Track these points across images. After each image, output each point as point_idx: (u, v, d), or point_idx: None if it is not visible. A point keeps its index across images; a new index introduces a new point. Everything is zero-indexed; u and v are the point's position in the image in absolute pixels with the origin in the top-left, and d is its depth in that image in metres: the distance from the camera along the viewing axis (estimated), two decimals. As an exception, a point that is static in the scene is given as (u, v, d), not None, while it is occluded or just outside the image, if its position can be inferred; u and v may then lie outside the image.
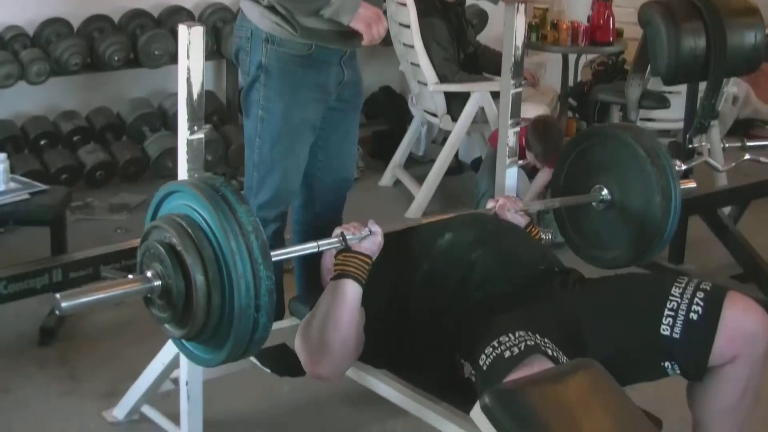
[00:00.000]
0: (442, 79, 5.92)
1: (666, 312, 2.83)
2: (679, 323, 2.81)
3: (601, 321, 2.90)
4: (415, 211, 5.90)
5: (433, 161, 6.12)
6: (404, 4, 6.04)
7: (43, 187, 4.54)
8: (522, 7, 3.71)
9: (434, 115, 6.09)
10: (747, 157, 4.58)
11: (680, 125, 4.94)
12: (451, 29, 6.03)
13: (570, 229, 3.74)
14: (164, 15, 6.33)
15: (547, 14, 6.74)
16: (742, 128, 7.65)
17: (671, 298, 2.85)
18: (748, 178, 5.29)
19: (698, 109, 4.68)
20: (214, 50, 6.28)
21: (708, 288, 2.86)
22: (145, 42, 6.03)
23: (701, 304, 2.82)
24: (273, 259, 2.59)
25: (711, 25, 4.40)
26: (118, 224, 5.57)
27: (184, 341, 2.72)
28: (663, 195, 3.41)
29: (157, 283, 2.61)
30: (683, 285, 2.88)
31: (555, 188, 3.77)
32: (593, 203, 3.59)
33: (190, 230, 2.54)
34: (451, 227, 3.22)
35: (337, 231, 3.04)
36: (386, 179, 6.48)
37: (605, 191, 3.56)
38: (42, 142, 5.95)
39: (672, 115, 5.66)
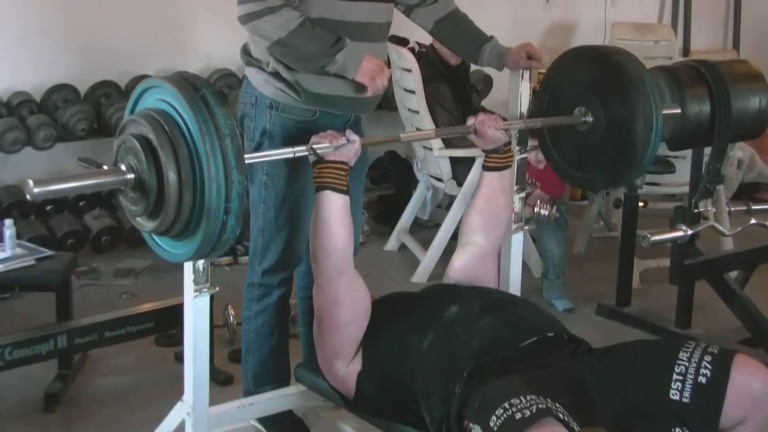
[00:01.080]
0: (447, 144, 5.93)
1: (674, 377, 2.82)
2: (688, 387, 2.80)
3: (610, 388, 2.88)
4: (420, 276, 5.90)
5: (438, 226, 6.11)
6: (409, 70, 6.07)
7: (49, 252, 4.54)
8: (527, 73, 3.74)
9: (439, 179, 6.10)
10: (753, 221, 4.57)
11: (686, 189, 4.94)
12: (455, 94, 6.06)
13: (551, 147, 3.76)
14: (170, 81, 6.35)
15: (551, 79, 6.76)
16: (748, 192, 7.66)
17: (679, 362, 2.84)
18: (755, 242, 5.28)
19: (703, 174, 4.68)
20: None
21: (716, 351, 2.85)
22: (151, 108, 6.05)
23: (709, 367, 2.81)
24: (246, 161, 2.63)
25: (716, 90, 4.41)
26: (123, 289, 5.57)
27: (154, 236, 2.74)
28: (645, 123, 3.43)
29: (131, 176, 2.63)
30: (691, 349, 2.87)
31: (539, 107, 3.78)
32: (575, 125, 3.60)
33: (166, 127, 2.57)
34: (457, 300, 3.22)
35: (311, 141, 3.07)
36: (392, 244, 6.48)
37: (588, 113, 3.57)
38: (48, 208, 5.97)
39: (677, 180, 5.67)
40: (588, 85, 3.57)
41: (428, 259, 5.97)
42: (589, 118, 3.57)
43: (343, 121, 3.54)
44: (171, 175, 2.54)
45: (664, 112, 3.49)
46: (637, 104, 3.43)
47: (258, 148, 3.50)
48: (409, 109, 6.13)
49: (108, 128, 6.00)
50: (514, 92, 3.76)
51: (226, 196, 2.54)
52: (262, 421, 3.63)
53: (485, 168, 3.53)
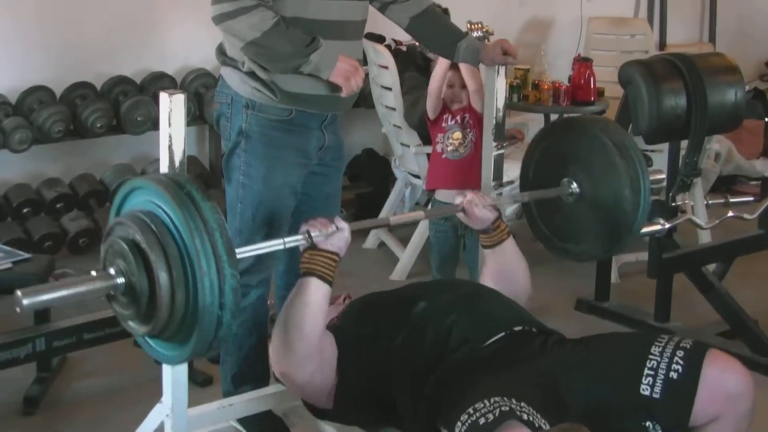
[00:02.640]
0: (425, 140, 5.92)
1: (646, 371, 2.82)
2: (659, 383, 2.80)
3: (581, 382, 2.88)
4: (400, 273, 5.89)
5: (415, 224, 6.11)
6: (386, 67, 6.07)
7: (26, 255, 4.52)
8: (502, 69, 3.74)
9: (417, 176, 6.09)
10: (730, 214, 4.58)
11: (663, 183, 4.95)
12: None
13: (539, 221, 3.74)
14: (147, 81, 6.34)
15: (528, 75, 6.77)
16: (725, 185, 7.69)
17: (651, 357, 2.83)
18: (733, 235, 5.30)
19: (681, 167, 4.69)
20: (197, 116, 6.29)
21: (688, 346, 2.85)
22: (127, 108, 6.04)
23: (681, 362, 2.80)
24: (238, 256, 2.59)
25: (692, 84, 4.42)
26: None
27: (147, 338, 2.70)
28: (632, 188, 3.42)
29: (120, 280, 2.59)
30: (663, 344, 2.86)
31: (524, 181, 3.76)
32: (562, 196, 3.59)
33: (154, 227, 2.54)
34: (426, 295, 3.21)
35: (303, 228, 3.02)
36: (370, 242, 6.47)
37: (574, 184, 3.56)
38: (25, 210, 5.93)
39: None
40: (572, 156, 3.56)
41: (407, 257, 5.97)
42: (576, 189, 3.55)
43: (320, 119, 3.54)
44: (162, 275, 2.50)
45: (651, 178, 3.49)
46: (622, 170, 3.42)
47: (235, 147, 3.50)
48: (387, 106, 6.12)
49: (84, 130, 5.98)
50: (489, 89, 3.76)
51: (220, 291, 2.49)
52: (242, 421, 3.62)
53: (483, 247, 3.50)
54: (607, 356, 2.95)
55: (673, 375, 2.80)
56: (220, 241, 2.50)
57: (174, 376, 3.07)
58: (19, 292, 2.47)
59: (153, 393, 3.21)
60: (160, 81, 6.32)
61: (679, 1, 9.02)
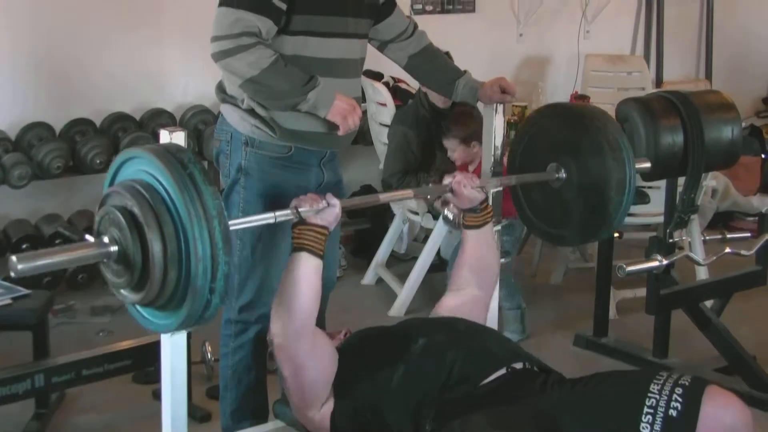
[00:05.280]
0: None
1: (645, 410, 2.82)
2: (658, 420, 2.80)
3: (580, 421, 2.88)
4: (398, 309, 5.89)
5: (415, 259, 6.12)
6: (384, 104, 6.09)
7: (25, 291, 4.52)
8: (500, 107, 3.76)
9: (415, 213, 6.11)
10: (728, 250, 4.59)
11: (660, 219, 4.96)
12: (430, 138, 5.96)
13: (523, 201, 3.78)
14: (146, 118, 6.36)
15: (525, 111, 6.79)
16: (722, 221, 7.69)
17: (650, 395, 2.84)
18: (730, 271, 5.30)
19: (678, 204, 4.71)
20: (196, 152, 6.30)
21: (687, 383, 2.85)
22: (127, 145, 6.04)
23: (680, 400, 2.81)
24: (231, 228, 2.62)
25: (689, 121, 4.44)
26: (100, 327, 5.55)
27: (137, 306, 2.71)
28: (617, 189, 3.45)
29: (114, 248, 2.60)
30: (662, 381, 2.87)
31: (512, 162, 3.79)
32: (549, 181, 3.62)
33: (152, 202, 2.54)
34: (423, 331, 3.23)
35: (293, 203, 3.05)
36: (369, 278, 6.48)
37: (562, 171, 3.59)
38: (24, 246, 5.93)
39: (652, 210, 5.69)
40: (563, 142, 3.59)
41: (405, 293, 5.96)
42: (563, 175, 3.58)
43: (319, 157, 3.56)
44: (157, 253, 2.52)
45: (637, 166, 3.51)
46: (611, 169, 3.45)
47: (234, 184, 3.51)
48: (385, 143, 6.14)
49: (84, 166, 5.99)
50: (488, 126, 3.78)
51: (212, 276, 2.53)
52: (241, 455, 3.63)
53: (465, 227, 3.54)
54: (606, 395, 2.95)
55: (673, 413, 2.80)
56: (217, 229, 2.52)
57: (173, 411, 3.07)
58: (14, 258, 2.45)
59: (151, 429, 3.22)
60: (159, 117, 6.34)
61: (675, 38, 9.06)
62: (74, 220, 6.15)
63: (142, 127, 6.28)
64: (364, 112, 6.02)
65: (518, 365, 3.13)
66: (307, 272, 3.04)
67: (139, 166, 2.66)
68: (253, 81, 3.30)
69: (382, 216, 6.80)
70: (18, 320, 4.43)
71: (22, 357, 4.50)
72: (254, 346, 3.66)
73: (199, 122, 6.41)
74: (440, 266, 6.16)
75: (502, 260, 3.60)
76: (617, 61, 8.41)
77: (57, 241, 6.00)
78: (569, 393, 2.98)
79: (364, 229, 6.99)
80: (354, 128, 3.45)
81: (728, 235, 4.72)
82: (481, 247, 3.53)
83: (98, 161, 5.98)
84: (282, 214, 3.02)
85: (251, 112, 3.43)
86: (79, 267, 5.94)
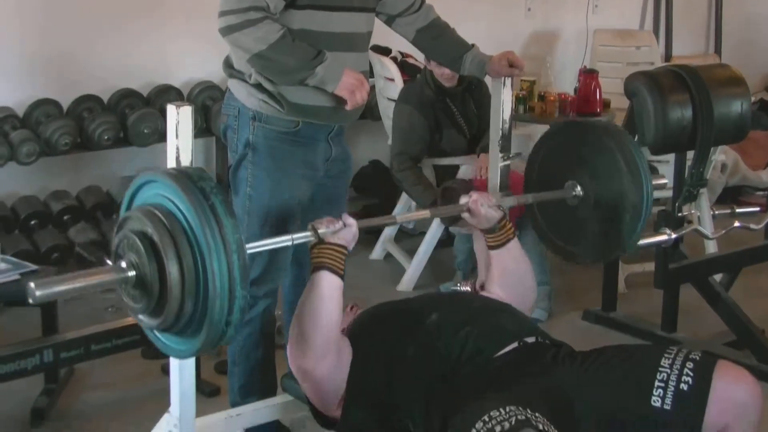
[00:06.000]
0: (432, 152, 5.93)
1: (656, 383, 2.82)
2: (669, 394, 2.80)
3: (591, 393, 2.88)
4: (406, 284, 5.90)
5: (423, 234, 6.12)
6: (392, 80, 6.08)
7: (34, 267, 4.52)
8: (508, 80, 3.74)
9: (424, 188, 6.10)
10: (737, 224, 4.57)
11: (669, 194, 4.96)
12: (434, 119, 5.91)
13: (539, 216, 3.77)
14: (153, 94, 6.35)
15: (534, 86, 6.77)
16: (731, 195, 7.68)
17: (661, 369, 2.84)
18: (739, 245, 5.30)
19: (687, 178, 4.70)
20: (204, 128, 6.29)
21: (697, 358, 2.86)
22: (134, 121, 6.05)
23: (691, 374, 2.81)
24: (248, 251, 2.61)
25: (697, 95, 4.42)
26: (109, 303, 5.55)
27: (155, 331, 2.72)
28: (633, 212, 3.44)
29: (132, 273, 2.60)
30: (672, 356, 2.87)
31: (529, 178, 3.78)
32: (566, 198, 3.60)
33: (171, 230, 2.53)
34: (437, 307, 3.22)
35: (310, 225, 3.05)
36: (377, 253, 6.48)
37: (578, 188, 3.57)
38: (32, 222, 5.94)
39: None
40: (581, 159, 3.57)
41: (414, 268, 5.97)
42: (580, 193, 3.57)
43: (326, 131, 3.55)
44: (174, 282, 2.51)
45: (654, 182, 3.48)
46: (628, 192, 3.43)
47: (241, 160, 3.51)
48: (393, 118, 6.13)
49: (91, 143, 5.99)
50: (496, 100, 3.76)
51: (229, 310, 2.52)
52: (250, 431, 3.63)
53: (489, 247, 3.51)
54: (617, 369, 2.95)
55: (684, 387, 2.80)
56: (237, 263, 2.50)
57: (182, 387, 3.07)
58: (32, 284, 2.47)
59: (160, 404, 3.22)
60: (166, 94, 6.33)
61: (684, 13, 9.02)
62: (82, 196, 6.15)
63: (149, 104, 6.28)
64: (372, 87, 6.01)
65: (530, 339, 3.13)
66: (329, 290, 3.03)
67: (158, 191, 2.65)
68: (260, 56, 3.29)
69: (391, 191, 6.78)
70: (26, 296, 4.42)
71: (31, 333, 4.51)
72: (262, 321, 3.66)
73: (207, 98, 6.40)
74: (448, 241, 6.16)
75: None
76: (626, 36, 8.38)
77: (65, 218, 6.02)
78: (580, 367, 2.98)
79: (372, 204, 6.99)
80: (362, 103, 3.44)
81: (737, 210, 4.70)
82: (507, 263, 3.48)
83: (106, 138, 5.98)
84: (300, 236, 3.04)
85: (259, 86, 3.42)
86: (87, 242, 5.94)
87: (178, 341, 2.69)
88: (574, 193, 3.57)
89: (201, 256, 2.50)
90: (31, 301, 2.51)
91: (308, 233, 3.04)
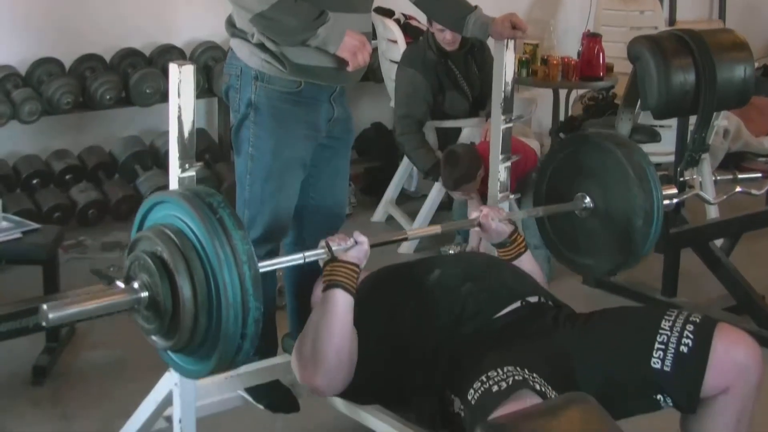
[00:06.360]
0: (434, 116, 5.93)
1: (656, 345, 2.84)
2: (669, 356, 2.82)
3: (592, 355, 2.90)
4: (407, 247, 5.89)
5: (425, 197, 6.13)
6: (395, 42, 6.06)
7: (35, 226, 4.53)
8: (511, 43, 3.73)
9: (426, 151, 6.09)
10: (738, 189, 4.57)
11: (671, 158, 4.95)
12: (437, 82, 5.94)
13: (548, 227, 3.75)
14: (156, 54, 6.35)
15: (537, 50, 6.76)
16: (734, 161, 7.67)
17: (661, 331, 2.85)
18: (740, 211, 5.30)
19: (689, 143, 4.70)
20: (206, 88, 6.29)
21: (698, 320, 2.87)
22: (136, 81, 6.05)
23: (691, 336, 2.82)
24: (260, 270, 2.59)
25: (700, 60, 4.42)
26: (110, 262, 5.56)
27: (169, 352, 2.71)
28: (645, 220, 3.42)
29: (144, 294, 2.59)
30: (673, 318, 2.88)
31: (538, 191, 3.77)
32: (576, 211, 3.60)
33: (182, 248, 2.53)
34: (439, 264, 3.23)
35: (323, 242, 3.03)
36: (378, 215, 6.48)
37: (588, 200, 3.56)
38: (34, 182, 5.95)
39: (663, 149, 5.68)
40: (590, 171, 3.56)
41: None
42: (590, 204, 3.56)
43: (329, 92, 3.54)
44: (187, 299, 2.51)
45: (664, 193, 3.47)
46: (638, 200, 3.42)
47: (243, 119, 3.50)
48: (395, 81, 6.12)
49: (93, 102, 5.99)
50: (498, 62, 3.76)
51: (243, 322, 2.51)
52: (250, 391, 3.64)
53: None
54: (617, 330, 2.96)
55: (684, 349, 2.82)
56: (248, 274, 2.50)
57: (183, 346, 3.08)
58: (44, 306, 2.47)
59: (162, 363, 3.21)
60: (168, 54, 6.33)
61: (689, -23, 9.00)
62: (84, 156, 6.16)
63: (151, 64, 6.28)
64: (375, 49, 5.99)
65: (533, 299, 3.13)
66: (344, 311, 3.01)
67: (168, 211, 2.65)
68: (262, 16, 3.28)
69: (393, 154, 6.79)
70: (28, 254, 4.44)
71: (33, 292, 4.52)
72: (263, 282, 3.66)
73: (209, 59, 6.40)
74: (449, 204, 6.17)
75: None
76: (630, 1, 8.35)
77: (67, 177, 6.02)
78: (581, 329, 2.99)
79: (374, 167, 6.99)
80: (364, 65, 3.43)
81: (739, 176, 4.70)
82: None
83: (108, 97, 5.98)
84: (312, 254, 3.02)
85: (261, 46, 3.41)
86: (90, 203, 5.98)
87: (194, 361, 2.68)
88: (584, 204, 3.56)
89: (212, 270, 2.50)
90: (44, 324, 2.52)
91: (321, 251, 3.02)
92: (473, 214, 3.46)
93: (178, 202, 2.61)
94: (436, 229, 3.57)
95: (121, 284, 2.64)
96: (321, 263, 3.08)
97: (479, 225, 3.42)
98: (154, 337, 2.67)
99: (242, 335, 2.52)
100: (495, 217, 3.40)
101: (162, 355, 2.79)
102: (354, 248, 3.04)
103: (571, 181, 3.62)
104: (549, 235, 3.76)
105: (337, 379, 3.04)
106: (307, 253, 3.01)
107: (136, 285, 2.61)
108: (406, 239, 3.61)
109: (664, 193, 3.48)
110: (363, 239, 3.06)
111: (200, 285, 2.51)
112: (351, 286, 3.01)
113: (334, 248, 3.01)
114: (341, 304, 3.00)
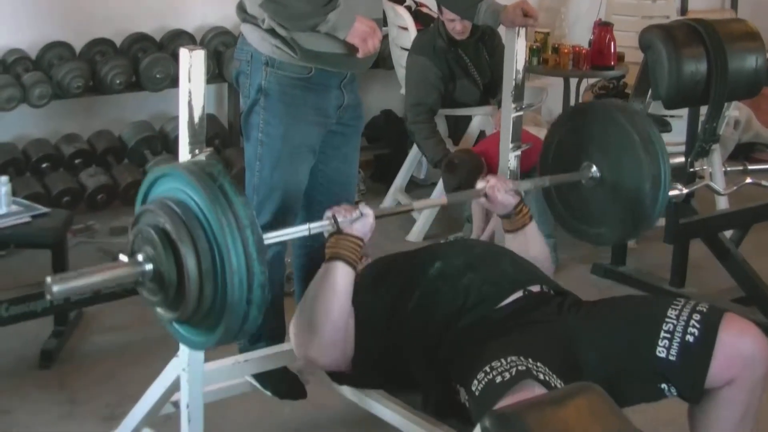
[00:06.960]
0: (444, 103, 5.92)
1: (662, 334, 2.83)
2: (675, 345, 2.81)
3: (597, 344, 2.89)
4: (416, 235, 5.90)
5: (434, 184, 6.12)
6: (406, 29, 6.05)
7: (45, 210, 4.54)
8: (522, 30, 3.72)
9: (436, 139, 6.09)
10: (748, 180, 4.56)
11: (682, 149, 4.94)
12: (447, 70, 5.93)
13: (556, 200, 3.74)
14: (166, 39, 6.34)
15: (548, 38, 6.75)
16: (744, 152, 7.66)
17: (667, 320, 2.84)
18: (750, 202, 5.29)
19: (699, 133, 4.69)
20: (216, 74, 6.29)
21: (704, 310, 2.86)
22: (146, 65, 6.05)
23: (697, 326, 2.81)
24: (265, 242, 2.60)
25: (712, 49, 4.40)
26: (119, 247, 5.56)
27: (174, 323, 2.71)
28: (653, 183, 3.41)
29: (149, 267, 2.59)
30: (680, 307, 2.87)
31: (544, 161, 3.76)
32: (582, 180, 3.59)
33: (184, 218, 2.53)
34: (440, 255, 3.22)
35: (329, 213, 3.04)
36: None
37: (594, 169, 3.55)
38: (43, 165, 5.96)
39: (673, 139, 5.67)
40: (595, 140, 3.55)
41: (424, 218, 5.97)
42: (596, 173, 3.54)
43: (339, 78, 3.53)
44: (191, 268, 2.50)
45: (672, 161, 3.47)
46: (645, 164, 3.40)
47: (254, 105, 3.49)
48: (405, 68, 6.11)
49: (103, 86, 5.99)
50: (509, 50, 3.75)
51: (248, 287, 2.50)
52: (257, 377, 3.65)
53: (505, 230, 3.50)
54: (623, 319, 2.96)
55: (690, 338, 2.81)
56: (251, 239, 2.49)
57: (190, 331, 3.08)
58: (49, 279, 2.47)
59: (169, 348, 3.23)
60: (179, 39, 6.32)
61: (701, -34, 8.95)
62: (93, 140, 6.16)
63: (162, 49, 6.27)
64: (385, 36, 5.98)
65: (535, 288, 3.13)
66: (344, 284, 3.02)
67: (170, 184, 2.64)
68: (272, 1, 3.27)
69: (402, 141, 6.78)
70: (37, 238, 4.45)
71: (41, 275, 4.45)
72: (272, 268, 3.64)
73: (220, 44, 6.40)
74: (459, 192, 6.15)
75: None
76: (642, -11, 8.32)
77: (76, 161, 6.02)
78: (586, 317, 2.98)
79: (383, 154, 6.99)
80: (374, 51, 3.42)
81: (749, 167, 4.69)
82: (522, 246, 3.44)
83: (118, 82, 5.98)
84: (317, 225, 3.02)
85: (272, 32, 3.40)
86: (99, 187, 5.98)
87: (200, 332, 2.66)
88: (590, 174, 3.55)
89: (215, 237, 2.49)
90: (48, 297, 2.52)
91: (326, 222, 3.03)
92: (479, 185, 3.45)
93: (179, 173, 2.61)
94: (443, 201, 3.58)
95: (125, 258, 2.64)
96: (326, 234, 3.08)
97: (485, 196, 3.42)
98: (159, 309, 2.66)
99: (248, 300, 2.51)
100: (501, 188, 3.40)
101: (167, 327, 2.77)
102: (359, 221, 3.04)
103: (577, 152, 3.61)
104: (557, 208, 3.74)
105: (330, 351, 3.05)
106: (312, 225, 3.02)
107: (140, 258, 2.60)
108: (412, 210, 3.59)
109: (672, 162, 3.49)
110: (368, 211, 3.06)
111: (204, 253, 2.50)
112: (353, 260, 3.02)
113: (339, 220, 3.01)
114: (341, 276, 3.01)
